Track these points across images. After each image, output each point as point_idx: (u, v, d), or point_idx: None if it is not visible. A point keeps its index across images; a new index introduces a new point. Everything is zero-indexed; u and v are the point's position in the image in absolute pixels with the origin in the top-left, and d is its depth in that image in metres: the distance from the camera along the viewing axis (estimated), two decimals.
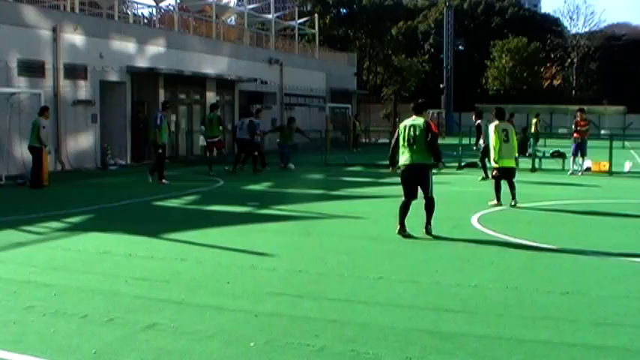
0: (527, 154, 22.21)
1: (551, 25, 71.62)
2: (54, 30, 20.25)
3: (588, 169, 19.91)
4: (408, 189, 9.35)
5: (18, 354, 4.77)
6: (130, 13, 29.60)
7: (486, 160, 17.41)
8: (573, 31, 70.44)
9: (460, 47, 69.23)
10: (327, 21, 56.47)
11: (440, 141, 9.85)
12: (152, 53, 24.67)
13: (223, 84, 28.53)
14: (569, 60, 67.50)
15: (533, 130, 28.18)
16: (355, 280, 6.99)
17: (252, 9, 36.56)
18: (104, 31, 22.66)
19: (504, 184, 12.52)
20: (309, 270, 7.44)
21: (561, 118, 49.86)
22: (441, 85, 57.37)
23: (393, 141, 9.54)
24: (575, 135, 19.08)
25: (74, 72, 21.06)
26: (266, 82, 31.65)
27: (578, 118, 19.31)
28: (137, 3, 38.29)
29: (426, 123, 9.32)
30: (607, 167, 19.79)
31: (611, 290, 6.64)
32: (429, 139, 9.10)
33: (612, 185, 16.98)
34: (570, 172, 19.33)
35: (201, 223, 10.72)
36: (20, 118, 17.78)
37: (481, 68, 65.12)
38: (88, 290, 6.55)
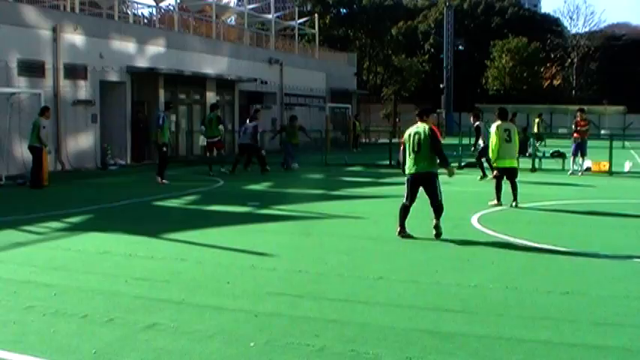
0: (527, 154, 22.22)
1: (551, 25, 71.65)
2: (54, 30, 20.25)
3: (588, 169, 19.91)
4: (412, 193, 9.29)
5: (18, 354, 4.77)
6: (130, 13, 29.60)
7: (483, 159, 17.43)
8: (573, 31, 70.57)
9: (460, 47, 69.25)
10: (327, 21, 56.50)
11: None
12: (152, 53, 24.67)
13: (223, 84, 28.53)
14: (569, 60, 67.53)
15: (535, 130, 28.17)
16: (355, 280, 6.99)
17: (252, 9, 36.57)
18: (104, 31, 22.66)
19: (506, 185, 12.52)
20: (309, 270, 7.44)
21: (561, 118, 49.81)
22: (441, 85, 57.37)
23: (401, 153, 9.43)
24: (575, 135, 19.09)
25: (74, 72, 21.06)
26: (266, 82, 31.65)
27: (578, 118, 19.32)
28: (137, 3, 38.33)
29: (430, 130, 9.20)
30: (607, 167, 19.79)
31: (611, 290, 6.64)
32: (433, 145, 9.03)
33: (612, 185, 16.98)
34: (570, 172, 19.33)
35: (201, 223, 10.72)
36: (20, 118, 17.79)
37: (481, 68, 65.15)
38: (88, 290, 6.55)
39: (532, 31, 65.06)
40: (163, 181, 16.62)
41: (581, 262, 8.02)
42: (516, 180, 12.61)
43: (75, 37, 21.16)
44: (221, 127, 19.79)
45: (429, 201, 9.23)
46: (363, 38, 59.12)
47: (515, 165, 12.76)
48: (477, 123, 18.49)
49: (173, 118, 24.58)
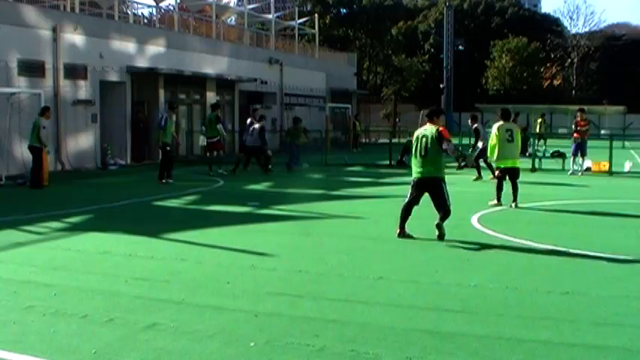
0: (527, 154, 22.22)
1: (551, 25, 71.69)
2: (54, 30, 20.25)
3: (588, 169, 19.90)
4: (416, 197, 9.20)
5: (18, 354, 4.77)
6: (130, 13, 29.59)
7: (480, 160, 17.40)
8: (573, 31, 70.61)
9: (460, 47, 69.29)
10: (327, 21, 56.49)
11: None
12: (152, 53, 24.67)
13: (223, 84, 28.53)
14: (569, 60, 67.54)
15: (538, 130, 28.15)
16: (355, 280, 6.99)
17: (252, 9, 36.57)
18: (104, 31, 22.66)
19: (507, 185, 12.51)
20: (309, 270, 7.44)
21: (561, 118, 49.78)
22: (441, 85, 57.38)
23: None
24: (575, 135, 19.08)
25: (74, 72, 21.06)
26: (266, 82, 31.65)
27: (578, 118, 19.32)
28: (137, 3, 38.26)
29: (438, 132, 8.98)
30: (607, 167, 19.79)
31: (611, 290, 6.64)
32: (442, 149, 8.92)
33: (612, 185, 16.98)
34: (570, 172, 19.33)
35: (201, 223, 10.72)
36: (20, 118, 17.79)
37: (481, 68, 65.16)
38: (88, 290, 6.55)
39: (532, 31, 65.10)
40: (168, 180, 16.68)
41: (581, 262, 8.01)
42: (517, 180, 12.61)
43: (75, 37, 21.16)
44: (219, 126, 19.71)
45: (432, 203, 9.14)
46: (363, 38, 59.12)
47: (518, 165, 12.73)
48: (476, 125, 18.50)
49: (173, 118, 24.54)
